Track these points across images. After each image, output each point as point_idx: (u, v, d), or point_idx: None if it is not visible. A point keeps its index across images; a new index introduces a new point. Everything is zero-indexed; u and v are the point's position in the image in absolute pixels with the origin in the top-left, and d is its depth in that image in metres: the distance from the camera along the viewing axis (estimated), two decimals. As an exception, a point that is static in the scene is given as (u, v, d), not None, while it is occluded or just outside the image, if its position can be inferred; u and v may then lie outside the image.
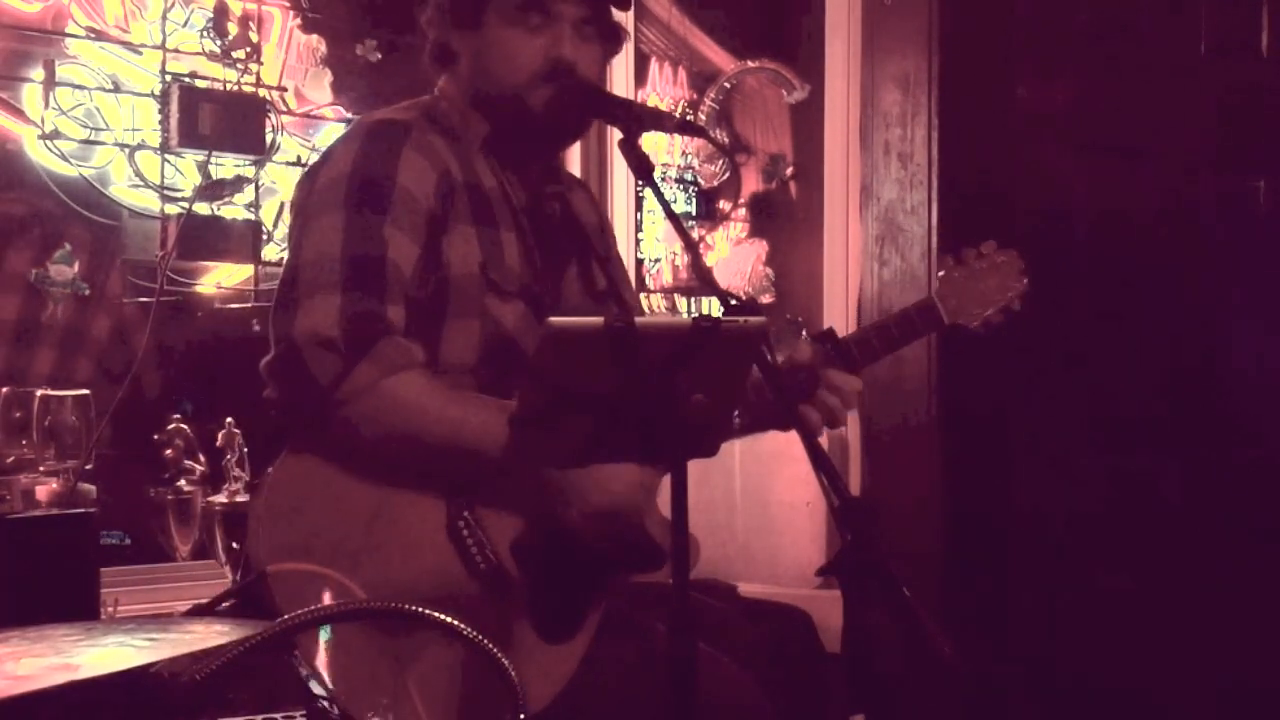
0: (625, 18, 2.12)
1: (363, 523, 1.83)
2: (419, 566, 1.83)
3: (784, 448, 3.48)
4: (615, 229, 4.00)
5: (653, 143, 4.18)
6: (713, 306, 3.58)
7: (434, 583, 1.82)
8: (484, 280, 1.93)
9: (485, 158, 2.03)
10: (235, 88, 3.48)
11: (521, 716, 1.48)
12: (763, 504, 3.65)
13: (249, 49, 3.53)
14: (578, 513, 1.85)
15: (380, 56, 3.85)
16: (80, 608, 2.66)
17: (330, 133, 3.68)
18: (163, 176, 3.41)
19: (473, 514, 1.86)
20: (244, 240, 3.46)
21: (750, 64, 4.40)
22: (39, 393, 2.95)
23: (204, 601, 1.92)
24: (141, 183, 3.42)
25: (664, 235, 4.32)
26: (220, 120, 3.36)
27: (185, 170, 3.46)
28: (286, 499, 1.85)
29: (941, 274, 2.18)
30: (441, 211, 1.92)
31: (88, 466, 2.97)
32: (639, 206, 4.19)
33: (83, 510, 2.84)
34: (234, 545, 3.02)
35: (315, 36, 3.80)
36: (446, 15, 2.02)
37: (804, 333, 2.03)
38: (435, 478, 1.85)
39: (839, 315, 3.76)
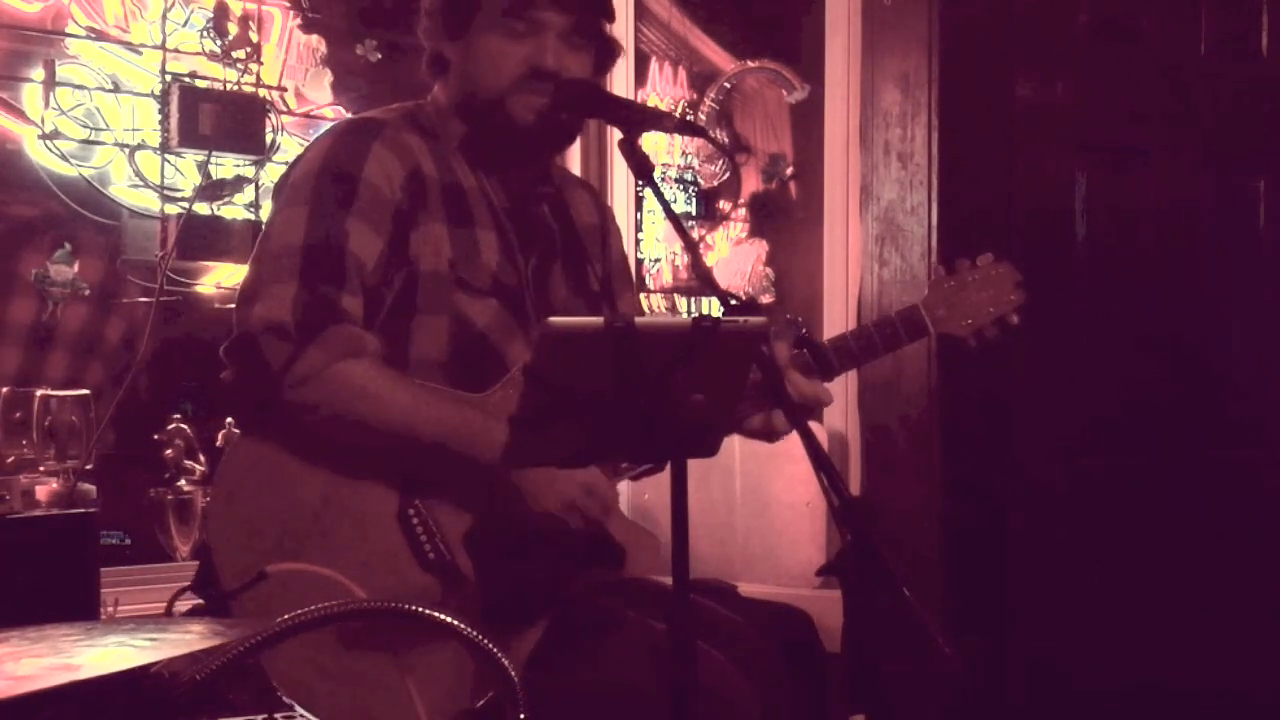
0: (624, 29, 2.13)
1: (312, 508, 1.86)
2: (366, 554, 1.85)
3: (784, 448, 3.46)
4: (615, 229, 4.03)
5: (653, 143, 4.18)
6: (713, 306, 3.58)
7: (381, 570, 1.83)
8: (453, 278, 1.95)
9: (464, 159, 2.04)
10: (235, 88, 3.49)
11: (522, 716, 1.48)
12: (763, 504, 3.64)
13: (249, 49, 3.53)
14: (531, 508, 1.85)
15: (380, 56, 3.86)
16: (80, 608, 2.66)
17: (330, 133, 3.68)
18: (163, 176, 3.41)
19: (424, 504, 1.88)
20: (244, 240, 3.46)
21: (750, 64, 4.39)
22: (39, 393, 2.95)
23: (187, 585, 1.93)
24: (141, 183, 3.42)
25: (664, 235, 4.32)
26: (220, 120, 3.37)
27: (185, 170, 3.47)
28: (238, 482, 1.89)
29: (931, 282, 2.16)
30: (409, 207, 1.94)
31: (88, 466, 2.97)
32: (639, 206, 4.19)
33: (83, 510, 2.84)
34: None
35: (315, 36, 3.80)
36: (438, 25, 2.04)
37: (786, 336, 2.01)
38: (386, 466, 1.87)
39: (839, 315, 3.75)
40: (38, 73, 3.34)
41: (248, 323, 1.85)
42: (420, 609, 1.58)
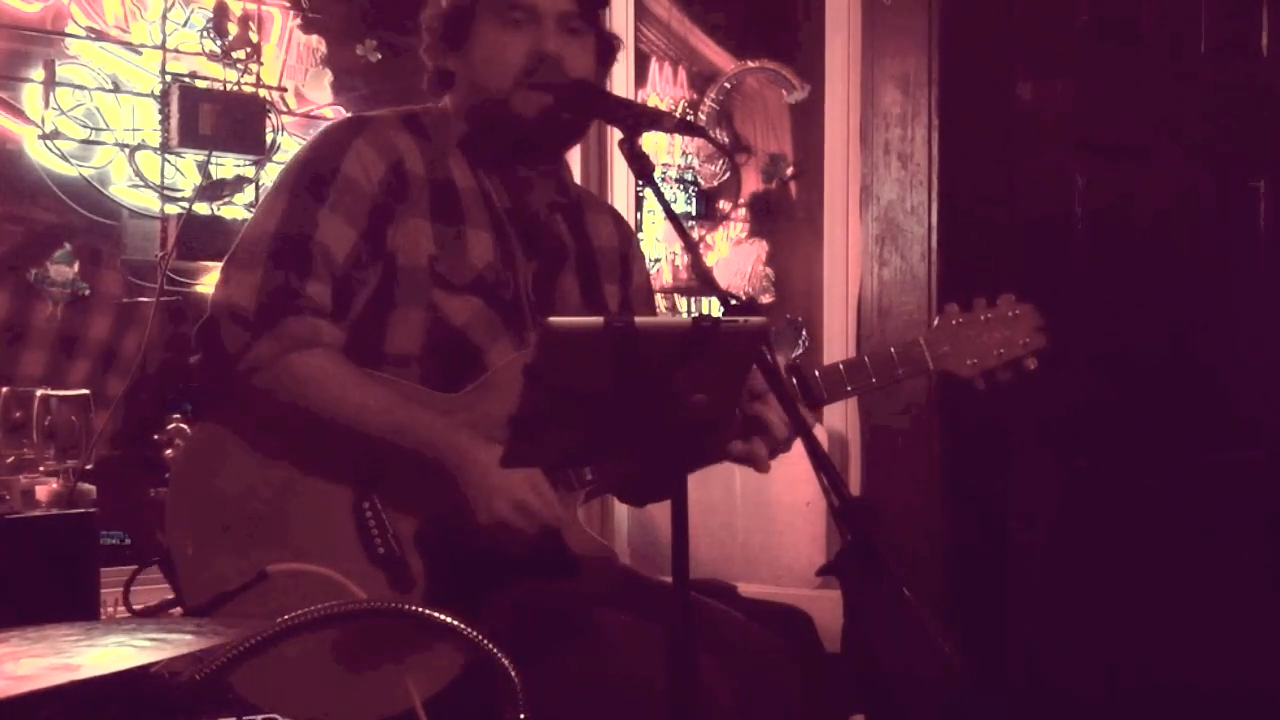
0: (624, 29, 2.13)
1: (266, 495, 1.88)
2: (316, 543, 1.85)
3: (784, 448, 3.47)
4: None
5: (653, 143, 4.19)
6: (713, 306, 3.58)
7: (328, 560, 1.82)
8: (431, 273, 1.96)
9: (465, 158, 2.05)
10: (235, 88, 3.49)
11: (522, 716, 1.48)
12: (763, 504, 3.65)
13: (249, 49, 3.53)
14: (482, 511, 1.84)
15: (380, 56, 3.85)
16: (80, 608, 2.66)
17: (330, 133, 3.69)
18: (163, 176, 3.41)
19: (380, 498, 1.89)
20: (244, 240, 3.45)
21: (750, 64, 4.40)
22: (39, 393, 2.95)
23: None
24: (141, 183, 3.42)
25: (664, 235, 4.32)
26: (220, 120, 3.37)
27: (185, 170, 3.46)
28: (193, 466, 1.92)
29: (940, 317, 2.08)
30: (386, 201, 1.96)
31: (88, 466, 2.97)
32: (639, 206, 4.19)
33: (83, 510, 2.84)
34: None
35: (315, 36, 3.80)
36: (439, 37, 2.06)
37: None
38: (342, 458, 1.88)
39: (839, 315, 3.76)
40: (38, 73, 3.34)
41: (213, 306, 1.91)
42: (420, 610, 1.58)
